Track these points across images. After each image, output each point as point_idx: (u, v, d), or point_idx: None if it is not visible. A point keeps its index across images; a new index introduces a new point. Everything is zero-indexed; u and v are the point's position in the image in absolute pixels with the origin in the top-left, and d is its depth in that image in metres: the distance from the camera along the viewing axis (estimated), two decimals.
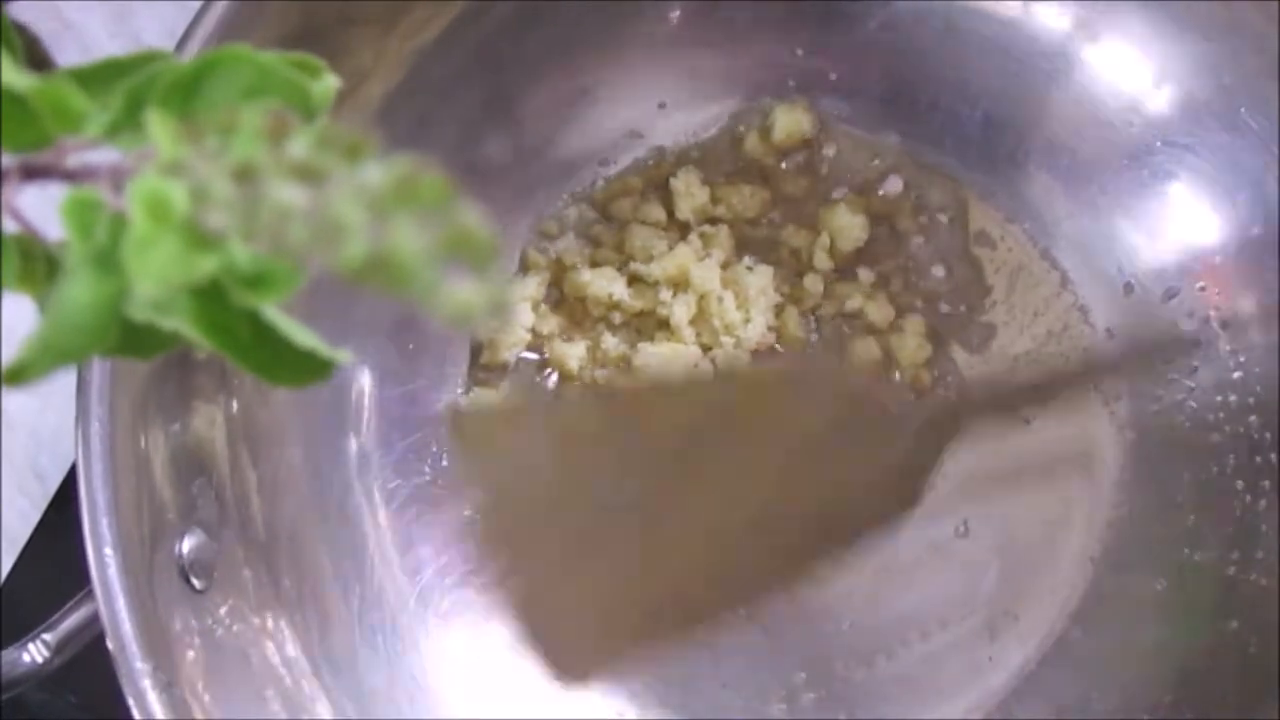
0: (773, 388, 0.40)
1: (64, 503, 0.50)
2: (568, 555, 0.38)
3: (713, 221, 0.52)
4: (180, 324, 0.18)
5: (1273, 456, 0.48)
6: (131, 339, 0.19)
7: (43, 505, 0.51)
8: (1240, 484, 0.48)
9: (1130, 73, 0.49)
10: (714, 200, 0.52)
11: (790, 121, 0.51)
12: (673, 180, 0.52)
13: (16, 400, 0.50)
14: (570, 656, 0.38)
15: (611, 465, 0.37)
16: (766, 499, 0.38)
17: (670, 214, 0.52)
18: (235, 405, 0.43)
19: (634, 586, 0.38)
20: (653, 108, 0.52)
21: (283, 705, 0.42)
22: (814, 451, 0.38)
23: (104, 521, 0.36)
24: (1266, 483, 0.47)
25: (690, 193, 0.51)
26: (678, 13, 0.50)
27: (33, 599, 0.49)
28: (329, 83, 0.19)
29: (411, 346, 0.50)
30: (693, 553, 0.37)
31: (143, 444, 0.38)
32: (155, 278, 0.17)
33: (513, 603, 0.39)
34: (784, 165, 0.52)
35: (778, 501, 0.37)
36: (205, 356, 0.41)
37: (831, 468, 0.39)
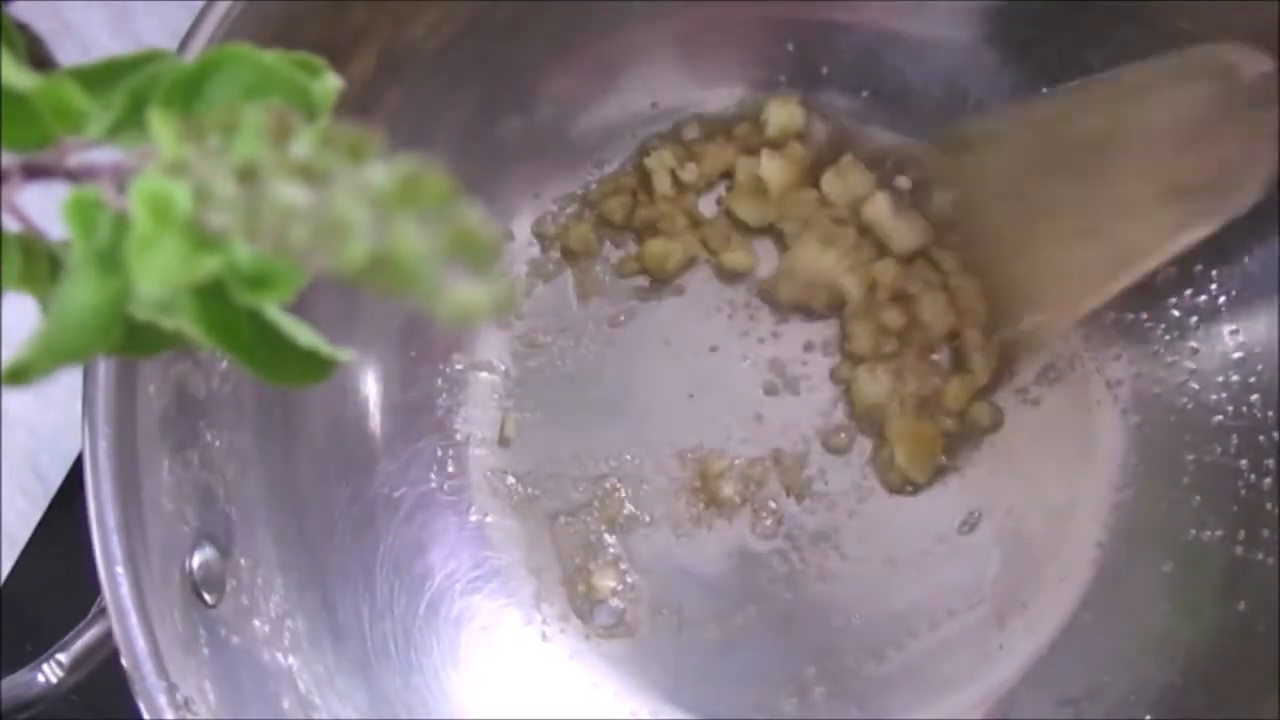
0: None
1: (65, 503, 0.50)
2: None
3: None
4: (182, 323, 0.18)
5: (1275, 435, 0.48)
6: (134, 338, 0.19)
7: (43, 505, 0.50)
8: (1244, 463, 0.48)
9: (1124, 59, 0.49)
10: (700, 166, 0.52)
11: (783, 116, 0.52)
12: (646, 160, 0.52)
13: (16, 398, 0.50)
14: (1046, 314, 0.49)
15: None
16: None
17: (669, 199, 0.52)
18: (241, 418, 0.43)
19: (1085, 253, 0.47)
20: (646, 107, 0.52)
21: (299, 714, 0.42)
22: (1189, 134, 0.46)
23: (114, 540, 0.36)
24: (1270, 461, 0.48)
25: (664, 169, 0.52)
26: (670, 12, 0.50)
27: (34, 599, 0.49)
28: (330, 82, 0.19)
29: (413, 354, 0.50)
30: (1116, 226, 0.46)
31: (150, 460, 0.38)
32: (157, 277, 0.17)
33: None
34: None
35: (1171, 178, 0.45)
36: (208, 370, 0.41)
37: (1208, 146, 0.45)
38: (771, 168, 0.51)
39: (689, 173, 0.52)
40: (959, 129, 0.50)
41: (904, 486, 0.50)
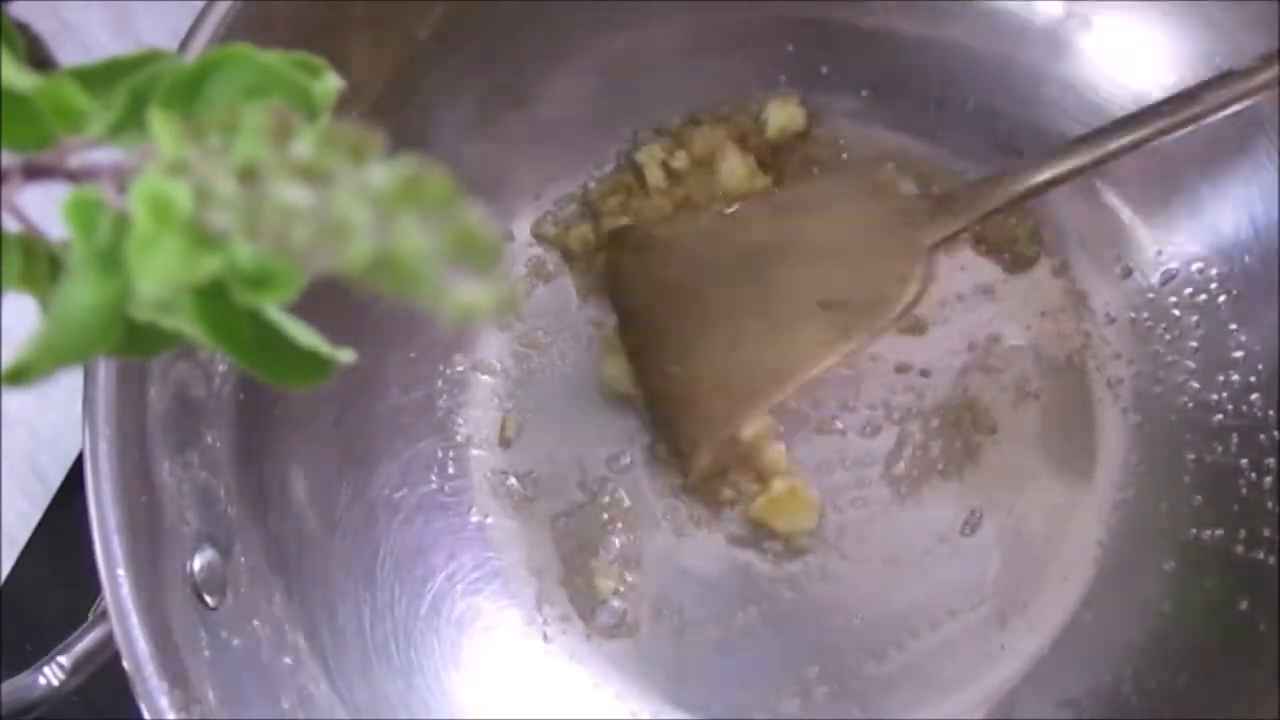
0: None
1: (65, 503, 0.50)
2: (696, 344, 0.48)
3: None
4: (182, 323, 0.18)
5: (1276, 434, 0.48)
6: (134, 338, 0.19)
7: (43, 505, 0.50)
8: (1245, 462, 0.48)
9: (1123, 56, 0.49)
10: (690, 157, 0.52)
11: (783, 116, 0.52)
12: (636, 155, 0.52)
13: (16, 398, 0.50)
14: (700, 427, 0.48)
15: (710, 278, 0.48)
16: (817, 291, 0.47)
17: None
18: (242, 419, 0.43)
19: (738, 365, 0.47)
20: (646, 107, 0.52)
21: (299, 715, 0.42)
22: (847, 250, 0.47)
23: (115, 541, 0.36)
24: (1271, 460, 0.47)
25: (654, 161, 0.51)
26: (670, 12, 0.50)
27: (34, 599, 0.49)
28: (330, 82, 0.19)
29: (413, 354, 0.50)
30: (770, 338, 0.47)
31: (151, 461, 0.38)
32: (158, 277, 0.17)
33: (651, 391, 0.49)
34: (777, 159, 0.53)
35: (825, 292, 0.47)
36: (209, 371, 0.41)
37: (862, 262, 0.47)
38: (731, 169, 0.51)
39: (679, 160, 0.52)
40: (626, 230, 0.51)
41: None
